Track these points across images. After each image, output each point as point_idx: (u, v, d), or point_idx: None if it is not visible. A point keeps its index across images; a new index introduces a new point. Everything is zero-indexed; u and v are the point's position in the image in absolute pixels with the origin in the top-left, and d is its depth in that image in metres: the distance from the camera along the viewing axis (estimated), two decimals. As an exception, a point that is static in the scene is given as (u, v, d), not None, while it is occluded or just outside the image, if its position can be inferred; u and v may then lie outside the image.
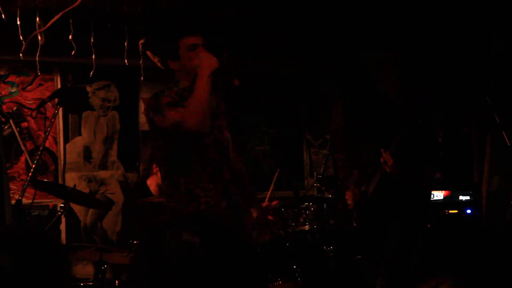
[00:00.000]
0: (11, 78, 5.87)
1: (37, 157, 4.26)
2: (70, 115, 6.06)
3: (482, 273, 4.99)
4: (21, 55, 4.97)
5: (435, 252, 5.21)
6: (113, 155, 6.17)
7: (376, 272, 4.63)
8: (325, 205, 5.46)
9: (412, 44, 5.87)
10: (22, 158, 5.88)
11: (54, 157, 5.99)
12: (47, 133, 4.53)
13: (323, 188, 5.56)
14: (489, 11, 5.48)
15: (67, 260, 1.65)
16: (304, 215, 5.48)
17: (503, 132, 4.79)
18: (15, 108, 5.89)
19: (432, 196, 5.60)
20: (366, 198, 4.65)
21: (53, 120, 4.60)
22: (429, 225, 5.37)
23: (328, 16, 5.58)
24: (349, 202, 4.69)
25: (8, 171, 5.66)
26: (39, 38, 4.95)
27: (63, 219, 5.45)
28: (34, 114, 5.85)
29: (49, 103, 5.67)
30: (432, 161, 4.62)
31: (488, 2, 5.35)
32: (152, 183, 5.27)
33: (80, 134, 6.10)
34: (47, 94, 5.89)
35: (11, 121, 5.84)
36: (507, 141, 4.77)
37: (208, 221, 1.52)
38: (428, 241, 4.91)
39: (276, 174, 5.48)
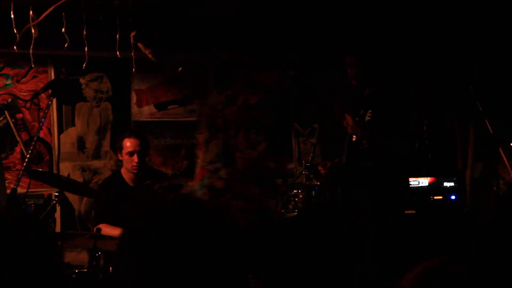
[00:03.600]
0: (6, 71, 5.91)
1: (31, 147, 4.34)
2: (64, 106, 6.10)
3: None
4: (15, 48, 5.05)
5: (423, 237, 5.31)
6: (106, 145, 6.23)
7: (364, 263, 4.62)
8: (313, 193, 5.58)
9: (396, 35, 5.93)
10: (17, 149, 5.94)
11: (48, 147, 6.05)
12: (41, 124, 4.63)
13: (311, 176, 5.62)
14: (477, 7, 5.54)
15: (55, 246, 1.64)
16: (293, 202, 5.60)
17: (486, 120, 4.88)
18: (10, 100, 5.94)
19: (417, 183, 5.71)
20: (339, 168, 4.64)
21: (46, 111, 4.63)
22: (414, 211, 5.49)
23: (315, 13, 5.65)
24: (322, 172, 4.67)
25: (4, 162, 5.72)
26: (33, 31, 5.00)
27: (58, 208, 5.54)
28: (28, 105, 5.91)
29: (43, 95, 5.78)
30: (403, 132, 4.50)
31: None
32: (126, 172, 5.07)
33: (74, 125, 6.15)
34: (41, 86, 5.96)
35: (6, 112, 5.90)
36: (490, 129, 4.86)
37: (193, 206, 1.51)
38: (408, 227, 4.98)
39: None
